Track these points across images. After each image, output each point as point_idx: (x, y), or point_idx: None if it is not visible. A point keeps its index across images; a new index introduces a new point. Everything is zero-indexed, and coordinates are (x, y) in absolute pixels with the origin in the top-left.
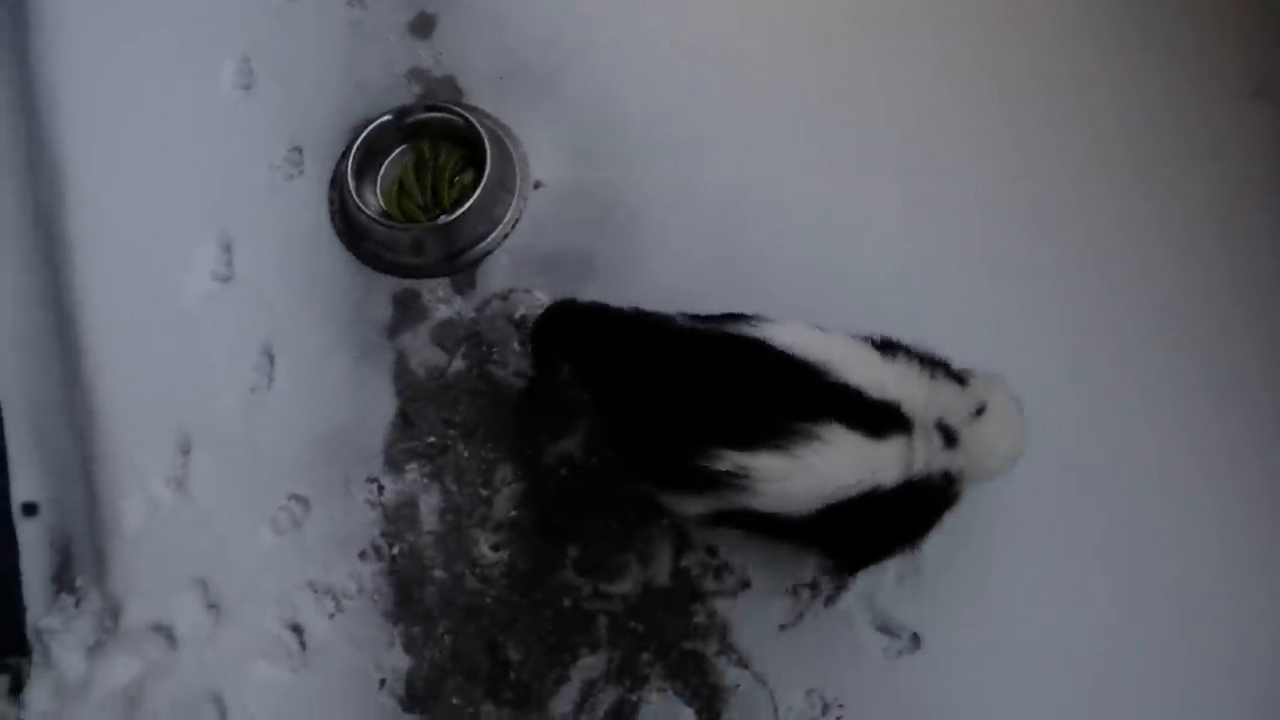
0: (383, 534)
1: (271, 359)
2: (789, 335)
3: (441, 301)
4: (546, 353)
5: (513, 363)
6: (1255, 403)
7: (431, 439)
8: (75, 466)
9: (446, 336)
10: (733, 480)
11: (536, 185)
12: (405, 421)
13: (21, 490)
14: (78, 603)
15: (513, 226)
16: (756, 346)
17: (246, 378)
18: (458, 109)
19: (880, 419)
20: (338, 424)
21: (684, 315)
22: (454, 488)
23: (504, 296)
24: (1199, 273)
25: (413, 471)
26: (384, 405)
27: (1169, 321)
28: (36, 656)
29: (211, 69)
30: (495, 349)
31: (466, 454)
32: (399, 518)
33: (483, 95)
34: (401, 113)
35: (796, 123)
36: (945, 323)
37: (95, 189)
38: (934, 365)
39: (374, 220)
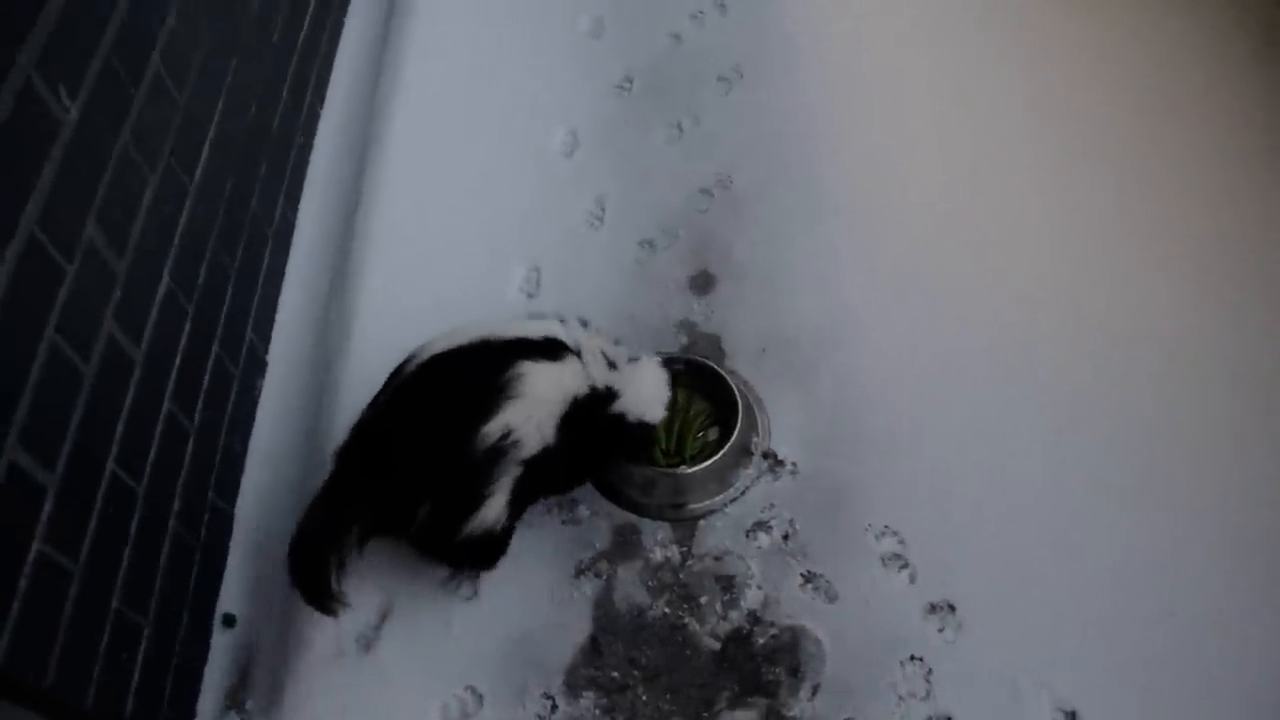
0: None
1: None
2: (452, 339)
3: (659, 544)
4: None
5: (710, 622)
6: None
7: (615, 674)
8: (281, 594)
9: (654, 579)
10: (504, 441)
11: (771, 458)
12: (594, 649)
13: (227, 600)
14: None
15: (741, 493)
16: (438, 364)
17: None
18: (720, 370)
19: (552, 350)
20: (531, 631)
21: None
22: None
23: (718, 557)
24: None
25: (588, 699)
26: (579, 627)
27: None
28: None
29: (505, 270)
30: (697, 604)
31: (644, 698)
32: None
33: (742, 361)
34: (669, 359)
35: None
36: None
37: (370, 342)
38: (613, 341)
39: None
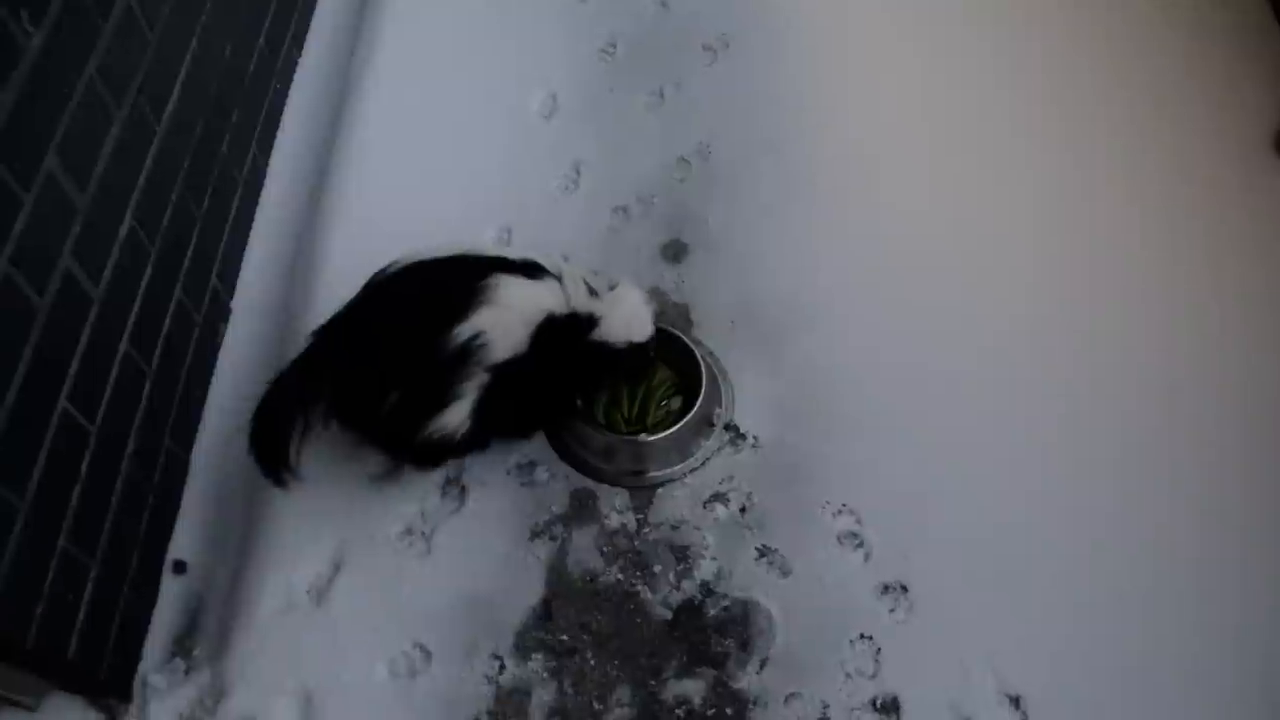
0: (489, 712)
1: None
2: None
3: (616, 511)
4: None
5: (663, 591)
6: None
7: (564, 637)
8: (234, 543)
9: (609, 545)
10: (474, 344)
11: (733, 431)
12: (545, 612)
13: (178, 546)
14: (188, 670)
15: (701, 463)
16: (418, 268)
17: (412, 517)
18: (687, 340)
19: (531, 270)
20: (483, 591)
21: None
22: (570, 691)
23: (674, 526)
24: None
25: (536, 662)
26: (531, 590)
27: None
28: (133, 707)
29: (478, 230)
30: (650, 573)
31: (593, 663)
32: (509, 701)
33: (710, 332)
34: None
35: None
36: None
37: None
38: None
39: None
